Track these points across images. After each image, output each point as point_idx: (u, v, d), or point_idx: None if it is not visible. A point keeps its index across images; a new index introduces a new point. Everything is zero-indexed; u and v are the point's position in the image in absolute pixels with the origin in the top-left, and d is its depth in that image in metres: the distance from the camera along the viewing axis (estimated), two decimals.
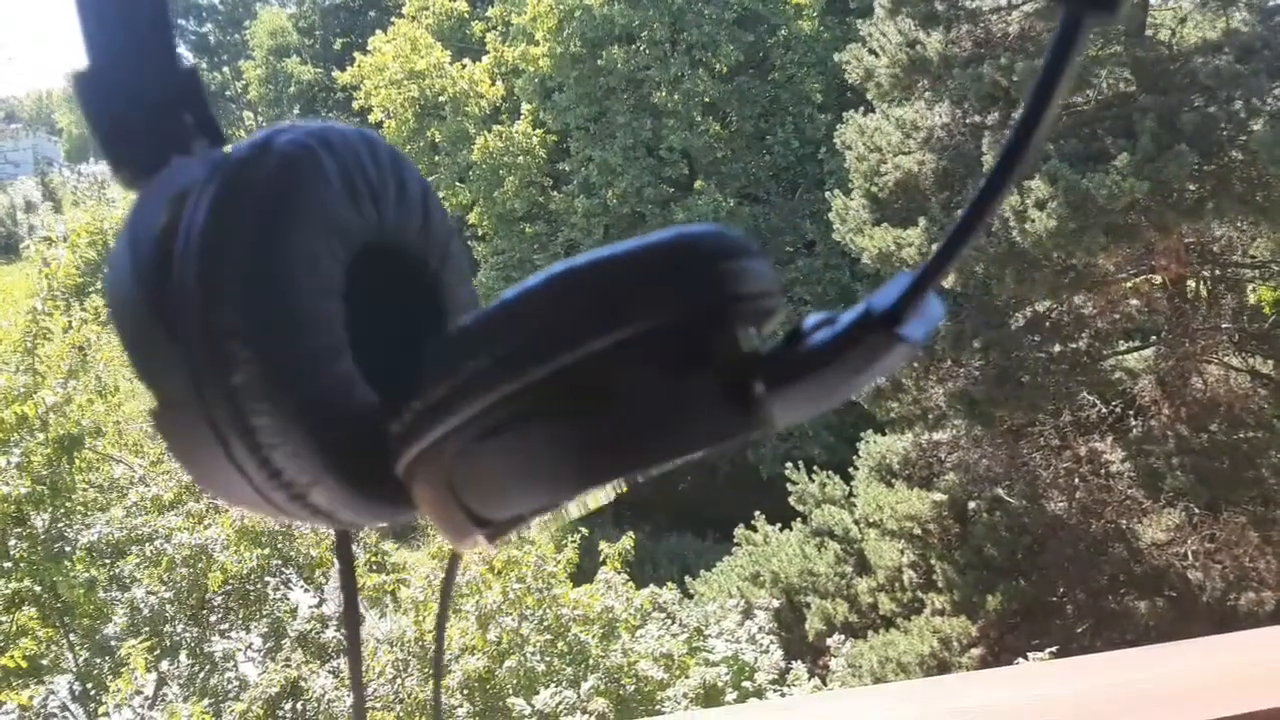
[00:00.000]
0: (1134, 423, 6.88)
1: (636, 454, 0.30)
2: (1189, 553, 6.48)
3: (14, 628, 5.43)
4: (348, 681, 5.47)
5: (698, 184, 13.71)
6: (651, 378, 0.29)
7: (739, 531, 7.99)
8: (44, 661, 5.61)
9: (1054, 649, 5.49)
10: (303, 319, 0.34)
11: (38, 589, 5.51)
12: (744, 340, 0.29)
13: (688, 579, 7.48)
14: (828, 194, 8.38)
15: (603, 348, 0.29)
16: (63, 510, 5.77)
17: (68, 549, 5.68)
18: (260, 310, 0.33)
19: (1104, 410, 6.96)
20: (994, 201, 0.25)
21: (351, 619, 0.50)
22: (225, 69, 23.10)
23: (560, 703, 4.69)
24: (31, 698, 5.40)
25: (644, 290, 0.30)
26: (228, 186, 0.34)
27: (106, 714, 5.24)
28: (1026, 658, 5.27)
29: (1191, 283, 7.24)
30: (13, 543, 5.60)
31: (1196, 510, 6.51)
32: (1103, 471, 6.78)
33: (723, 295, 0.30)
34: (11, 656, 5.09)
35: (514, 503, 0.31)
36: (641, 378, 0.29)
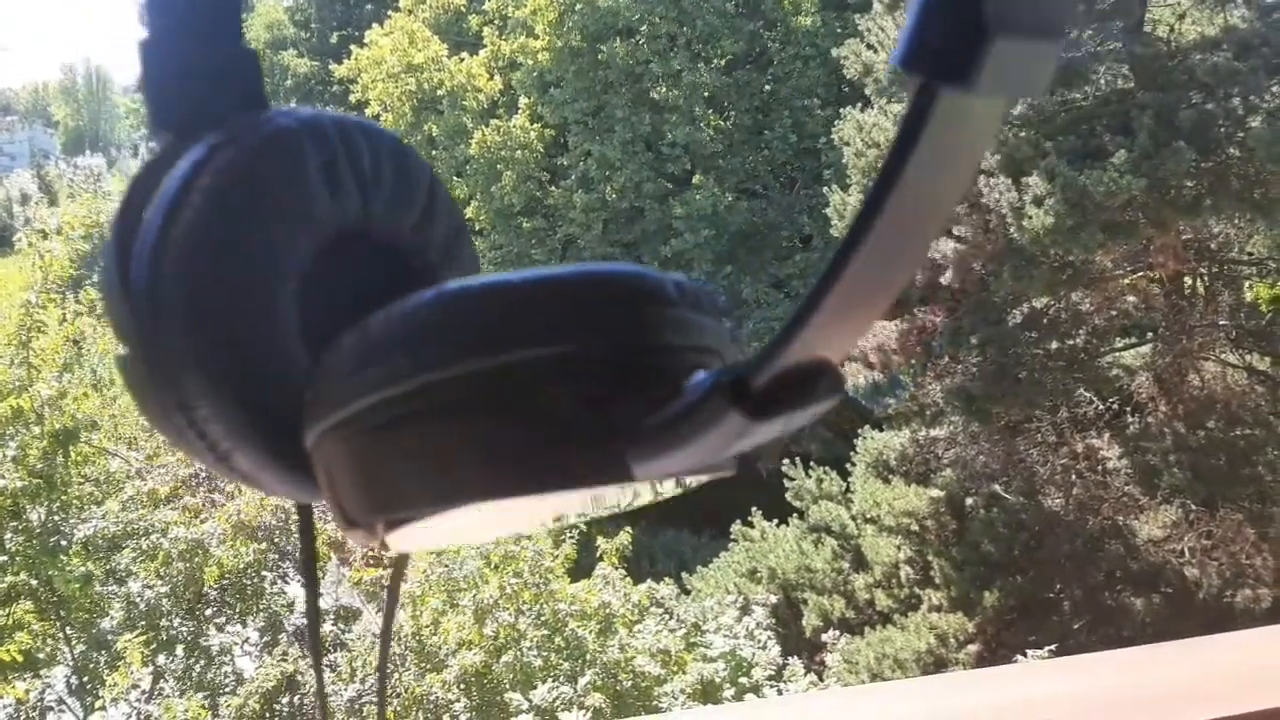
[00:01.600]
0: (1131, 419, 6.89)
1: (482, 480, 0.29)
2: (1186, 549, 6.49)
3: (10, 622, 5.42)
4: (344, 676, 5.50)
5: (696, 178, 13.68)
6: (512, 411, 0.29)
7: (736, 528, 8.00)
8: (40, 655, 5.60)
9: (1052, 646, 5.49)
10: (240, 294, 0.35)
11: (34, 583, 5.50)
12: (635, 391, 0.28)
13: (685, 575, 7.48)
14: (825, 190, 8.37)
15: (470, 371, 0.29)
16: (58, 504, 5.76)
17: (63, 543, 5.67)
18: (199, 279, 0.34)
19: (1101, 407, 6.97)
20: (843, 274, 0.22)
21: (311, 593, 0.50)
22: None
23: (557, 698, 4.69)
24: (28, 691, 5.39)
25: (523, 320, 0.29)
26: (202, 161, 0.35)
27: (103, 708, 5.23)
28: (1025, 654, 5.28)
29: (1189, 280, 7.25)
30: (8, 537, 5.59)
31: (1193, 507, 6.52)
32: (1099, 468, 6.79)
33: (597, 338, 0.29)
34: (7, 650, 5.09)
35: (372, 506, 0.31)
36: (501, 409, 0.29)
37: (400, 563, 0.47)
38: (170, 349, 0.34)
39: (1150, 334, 7.34)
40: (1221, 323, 7.05)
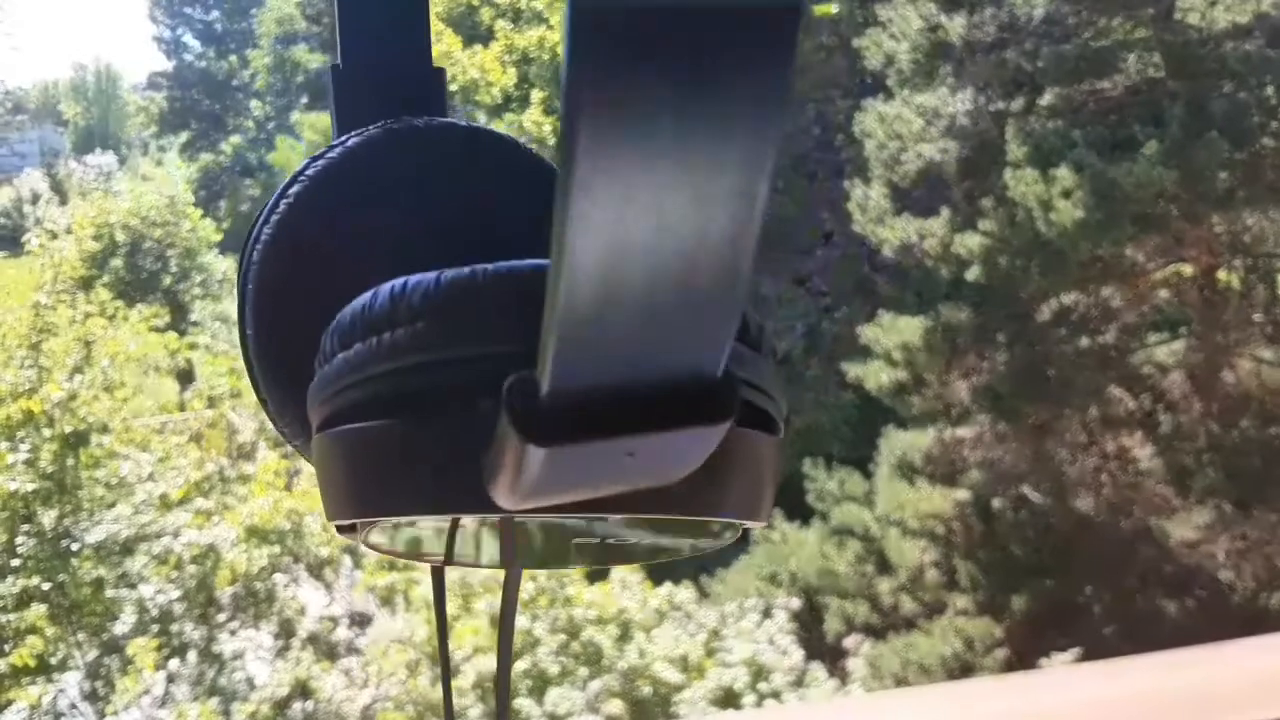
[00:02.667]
0: (1163, 418, 6.72)
1: (360, 497, 0.29)
2: (1220, 552, 6.34)
3: (22, 626, 5.38)
4: (358, 682, 5.45)
5: None
6: (390, 424, 0.28)
7: (756, 530, 7.83)
8: (52, 660, 5.56)
9: (1080, 651, 5.40)
10: (296, 291, 0.36)
11: (45, 587, 5.46)
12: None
13: (704, 578, 7.36)
14: (846, 183, 8.21)
15: (363, 379, 0.28)
16: (70, 507, 5.72)
17: (74, 546, 5.63)
18: (265, 274, 0.37)
19: (1132, 405, 6.80)
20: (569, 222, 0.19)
21: (443, 649, 0.52)
22: (232, 58, 22.98)
23: (569, 709, 4.64)
24: (40, 696, 5.35)
25: (425, 325, 0.28)
26: (312, 164, 0.38)
27: (115, 713, 5.20)
28: (1050, 659, 5.19)
29: (1222, 274, 7.06)
30: (20, 540, 5.55)
31: (1227, 509, 6.36)
32: (1131, 468, 6.63)
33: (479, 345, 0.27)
34: (19, 655, 5.05)
35: (329, 507, 0.31)
36: (385, 420, 0.28)
37: (511, 582, 0.47)
38: (250, 344, 0.37)
39: (1182, 328, 7.16)
40: (1256, 318, 6.86)
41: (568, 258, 0.19)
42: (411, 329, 0.28)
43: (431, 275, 0.28)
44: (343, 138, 0.39)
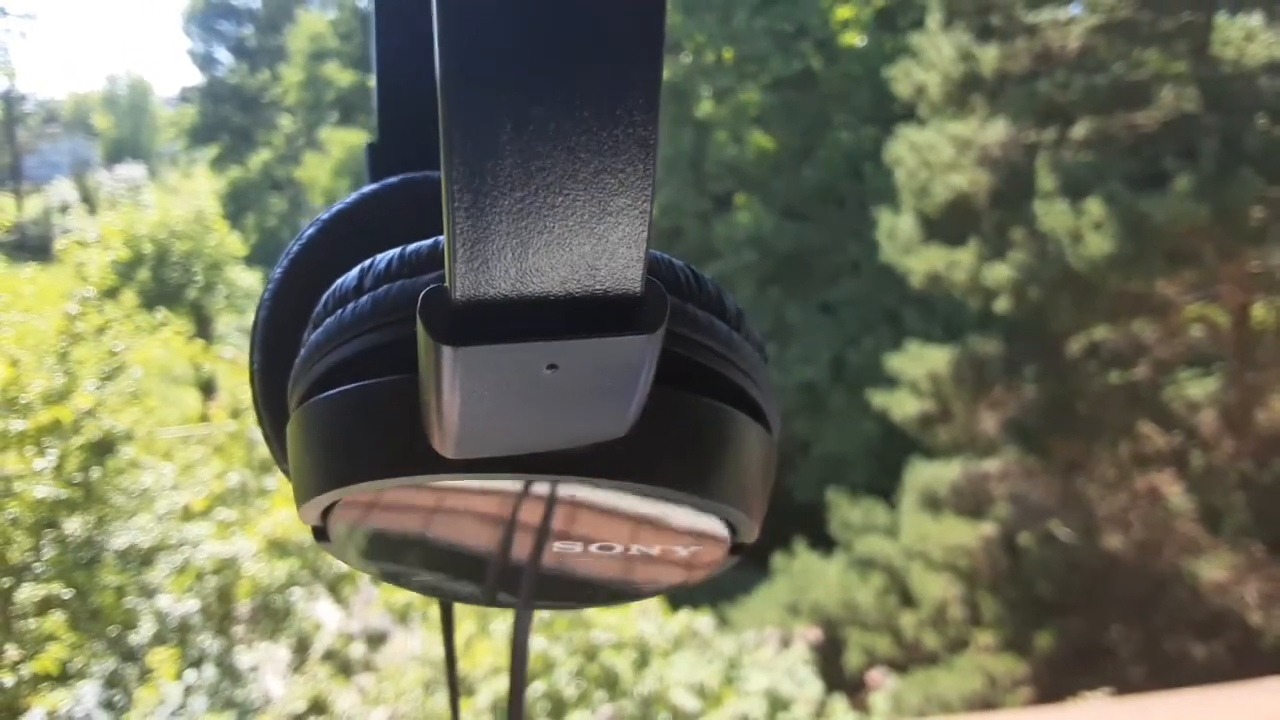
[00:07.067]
0: (1194, 457, 6.62)
1: (319, 476, 0.29)
2: (1249, 594, 6.21)
3: (42, 633, 5.36)
4: (374, 699, 5.40)
5: (738, 198, 13.50)
6: (351, 394, 0.28)
7: (777, 558, 7.76)
8: (73, 668, 5.55)
9: (1105, 691, 5.30)
10: (304, 319, 0.35)
11: (66, 595, 5.45)
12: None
13: (723, 606, 7.27)
14: (874, 212, 8.17)
15: (326, 355, 0.29)
16: (93, 515, 5.71)
17: (97, 554, 5.62)
18: (278, 301, 0.39)
19: (1163, 443, 6.70)
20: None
21: (452, 682, 0.53)
22: (264, 73, 23.17)
23: None
24: (58, 704, 5.32)
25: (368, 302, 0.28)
26: (330, 208, 0.41)
27: None
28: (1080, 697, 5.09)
29: (1256, 311, 6.97)
30: (44, 547, 5.55)
31: (1260, 551, 6.24)
32: (1161, 507, 6.51)
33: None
34: (41, 662, 5.03)
35: (295, 496, 0.31)
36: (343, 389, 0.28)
37: (521, 624, 0.47)
38: (256, 377, 0.39)
39: (1216, 362, 7.06)
40: None
41: (458, 155, 0.19)
42: (373, 295, 0.28)
43: (397, 249, 0.28)
44: (363, 187, 0.41)
